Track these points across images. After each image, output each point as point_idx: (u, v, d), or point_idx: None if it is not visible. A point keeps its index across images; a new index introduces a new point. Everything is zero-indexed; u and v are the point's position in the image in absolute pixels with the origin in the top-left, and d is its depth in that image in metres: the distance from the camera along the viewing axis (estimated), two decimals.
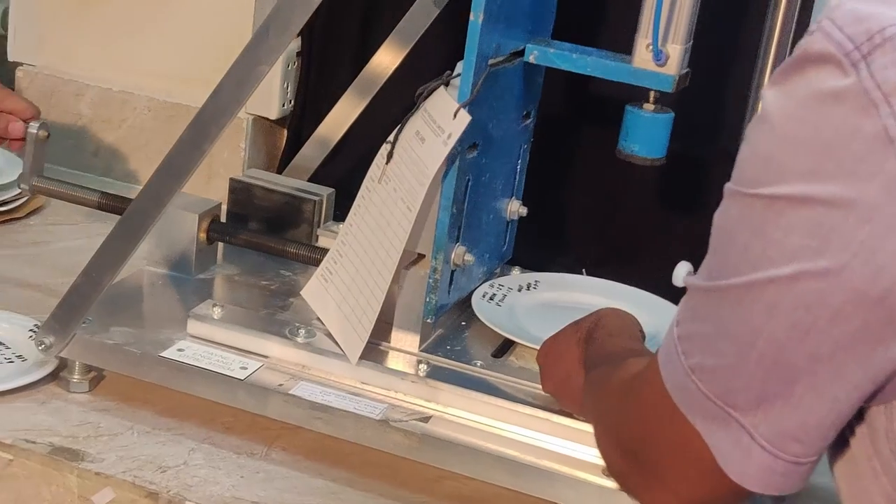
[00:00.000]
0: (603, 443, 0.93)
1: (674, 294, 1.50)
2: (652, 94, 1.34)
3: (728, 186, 0.79)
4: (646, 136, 1.35)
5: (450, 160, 1.25)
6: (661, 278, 1.53)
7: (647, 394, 0.84)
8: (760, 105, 0.77)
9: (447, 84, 1.28)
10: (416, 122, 1.28)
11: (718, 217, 0.80)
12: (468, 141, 1.27)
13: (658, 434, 0.83)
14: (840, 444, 0.82)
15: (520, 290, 1.45)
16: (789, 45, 1.14)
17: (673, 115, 1.36)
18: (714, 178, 1.64)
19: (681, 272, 1.51)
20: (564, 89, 1.62)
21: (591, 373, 1.06)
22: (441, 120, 1.24)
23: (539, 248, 1.63)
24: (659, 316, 1.43)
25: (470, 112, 1.22)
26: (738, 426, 0.77)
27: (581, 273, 1.64)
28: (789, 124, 0.74)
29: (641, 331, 1.20)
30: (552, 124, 1.55)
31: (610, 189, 1.69)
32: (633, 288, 1.48)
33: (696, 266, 1.49)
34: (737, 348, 0.77)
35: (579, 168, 1.69)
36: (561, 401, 1.20)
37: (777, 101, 0.75)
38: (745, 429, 0.77)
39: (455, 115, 1.22)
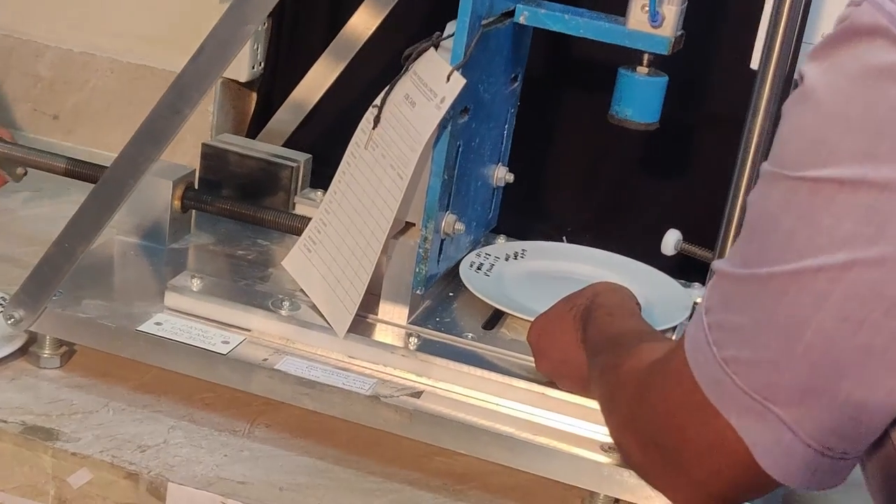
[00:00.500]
0: (618, 434, 0.88)
1: (662, 262, 1.48)
2: (646, 56, 1.29)
3: (766, 168, 0.74)
4: (640, 100, 1.31)
5: (441, 125, 1.20)
6: (648, 245, 1.51)
7: (673, 385, 0.80)
8: (800, 80, 0.72)
9: (437, 46, 1.22)
10: (404, 86, 1.22)
11: (756, 200, 0.75)
12: (460, 105, 1.22)
13: (686, 428, 0.78)
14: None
15: (507, 260, 1.41)
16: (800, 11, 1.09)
17: (667, 78, 1.32)
18: (700, 144, 1.62)
19: (670, 241, 1.49)
20: (548, 51, 1.57)
21: (597, 358, 1.01)
22: (433, 83, 1.19)
23: (520, 214, 1.59)
24: (650, 286, 1.40)
25: (463, 75, 1.17)
26: (779, 422, 0.73)
27: (562, 240, 1.60)
28: (838, 102, 0.69)
29: (638, 304, 1.16)
30: (535, 87, 1.50)
31: (593, 154, 1.65)
32: (622, 257, 1.45)
33: (686, 234, 1.48)
34: (780, 341, 0.72)
35: (562, 133, 1.65)
36: (560, 381, 1.16)
37: (822, 76, 0.70)
38: (787, 425, 0.73)
39: (448, 78, 1.17)
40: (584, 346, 1.08)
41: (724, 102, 1.55)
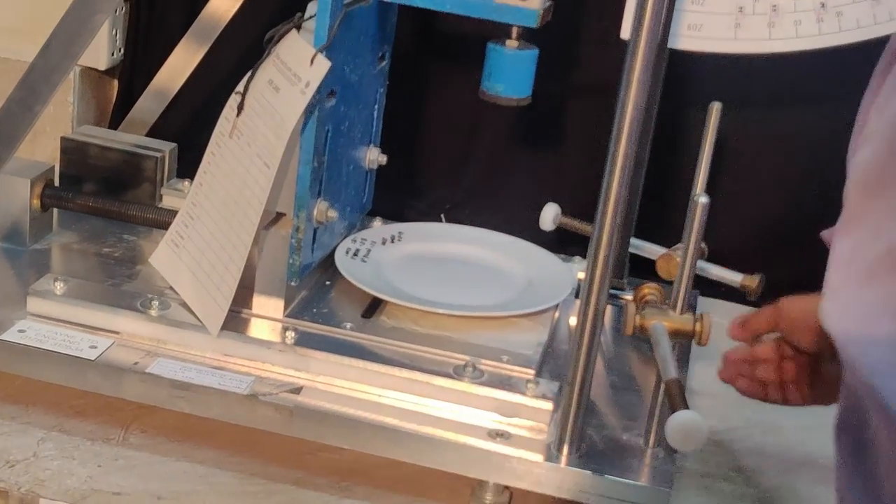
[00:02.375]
0: None
1: (540, 236, 1.46)
2: (514, 29, 1.26)
3: None
4: (511, 74, 1.28)
5: (308, 110, 1.15)
6: (526, 220, 1.49)
7: None
8: None
9: (299, 27, 1.18)
10: (267, 70, 1.18)
11: None
12: (326, 88, 1.17)
13: None
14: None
15: (384, 244, 1.37)
16: None
17: (537, 51, 1.29)
18: (573, 115, 1.60)
19: (548, 215, 1.47)
20: (415, 27, 1.54)
21: None
22: (296, 67, 1.14)
23: (396, 195, 1.55)
24: (531, 263, 1.38)
25: (327, 57, 1.13)
26: None
27: (440, 219, 1.57)
28: None
29: None
30: (404, 65, 1.46)
31: (466, 130, 1.62)
32: (501, 234, 1.42)
33: (563, 207, 1.46)
34: None
35: (433, 110, 1.62)
36: None
37: None
38: None
39: (312, 62, 1.13)
40: None
41: (595, 73, 1.53)
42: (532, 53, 1.28)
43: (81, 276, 1.27)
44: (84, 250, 1.36)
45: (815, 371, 1.14)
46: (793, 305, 1.13)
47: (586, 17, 1.50)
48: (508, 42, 1.27)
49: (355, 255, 1.33)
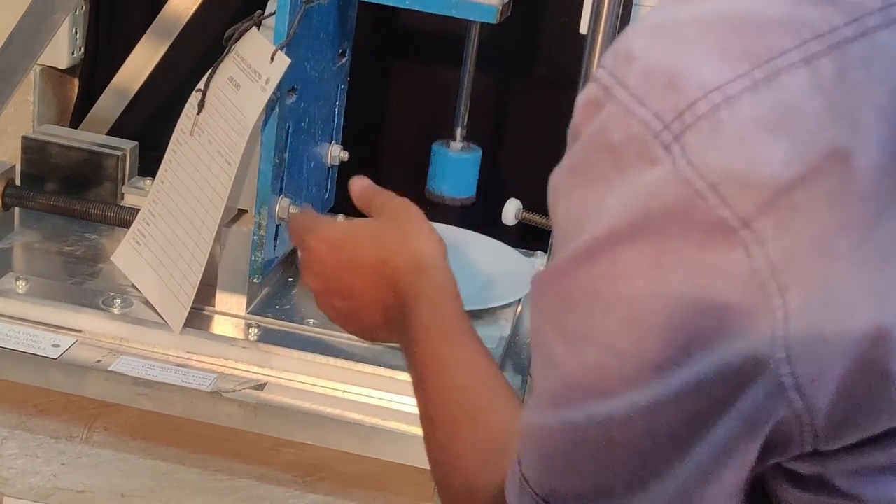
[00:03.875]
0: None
1: (501, 231, 1.46)
2: (458, 130, 1.34)
3: None
4: (454, 176, 1.34)
5: (269, 107, 1.16)
6: (486, 214, 1.49)
7: None
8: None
9: (259, 25, 1.18)
10: (228, 68, 1.18)
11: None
12: (287, 85, 1.18)
13: None
14: None
15: None
16: None
17: (480, 152, 1.34)
18: (532, 110, 1.60)
19: (511, 210, 1.48)
20: (374, 22, 1.54)
21: (430, 400, 0.86)
22: (257, 64, 1.14)
23: None
24: (493, 258, 1.39)
25: (287, 54, 1.13)
26: None
27: None
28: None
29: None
30: (364, 60, 1.46)
31: (426, 125, 1.62)
32: (463, 230, 1.43)
33: (524, 201, 1.46)
34: None
35: (394, 105, 1.62)
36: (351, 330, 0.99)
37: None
38: None
39: (272, 59, 1.13)
40: (403, 332, 0.91)
41: (556, 67, 1.53)
42: (475, 156, 1.34)
43: (43, 274, 1.27)
44: (46, 249, 1.35)
45: None
46: None
47: (546, 13, 1.51)
48: (452, 144, 1.33)
49: None
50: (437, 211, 1.34)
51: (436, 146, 1.33)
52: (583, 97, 0.63)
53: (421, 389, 0.86)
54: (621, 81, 0.60)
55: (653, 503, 0.63)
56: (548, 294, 0.65)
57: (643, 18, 0.63)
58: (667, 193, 0.58)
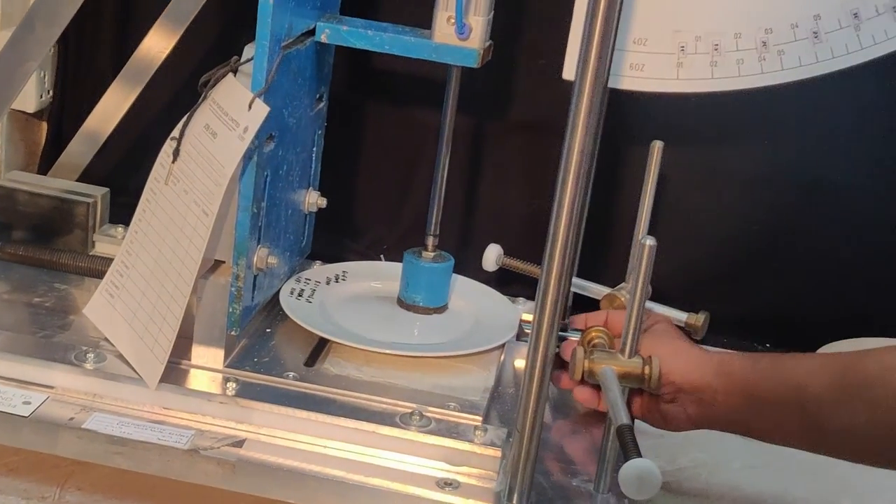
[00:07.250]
0: None
1: (481, 275, 1.44)
2: (430, 240, 1.34)
3: None
4: (427, 285, 1.33)
5: (247, 156, 1.13)
6: (466, 257, 1.47)
7: None
8: None
9: (236, 71, 1.16)
10: (204, 115, 1.15)
11: None
12: (265, 132, 1.15)
13: None
14: None
15: (328, 283, 1.36)
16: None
17: (453, 261, 1.34)
18: (510, 153, 1.58)
19: (491, 256, 1.45)
20: (350, 66, 1.51)
21: None
22: (234, 112, 1.12)
23: (333, 236, 1.53)
24: (478, 302, 1.37)
25: (265, 101, 1.11)
26: None
27: (380, 259, 1.55)
28: None
29: None
30: (340, 104, 1.44)
31: (403, 168, 1.60)
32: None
33: (504, 246, 1.43)
34: None
35: (370, 149, 1.59)
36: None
37: None
38: None
39: (250, 106, 1.10)
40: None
41: (534, 110, 1.51)
42: (447, 265, 1.33)
43: (12, 328, 1.23)
44: (14, 301, 1.32)
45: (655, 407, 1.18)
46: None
47: (524, 55, 1.49)
48: (424, 253, 1.33)
49: (300, 295, 1.31)
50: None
51: (407, 255, 1.33)
52: None
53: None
54: None
55: None
56: None
57: None
58: None
